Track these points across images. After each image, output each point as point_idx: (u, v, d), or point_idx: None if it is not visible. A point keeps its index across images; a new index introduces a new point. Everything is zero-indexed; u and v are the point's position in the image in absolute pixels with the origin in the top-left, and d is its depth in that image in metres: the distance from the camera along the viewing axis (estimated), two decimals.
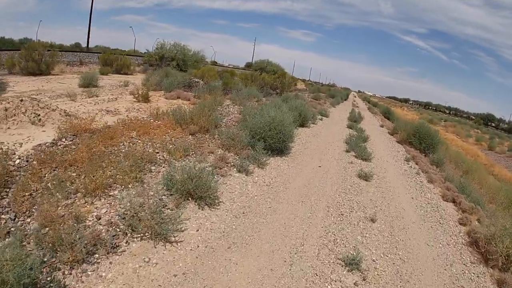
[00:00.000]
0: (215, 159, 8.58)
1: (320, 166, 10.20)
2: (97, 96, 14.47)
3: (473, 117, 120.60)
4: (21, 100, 9.53)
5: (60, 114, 9.93)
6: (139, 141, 8.74)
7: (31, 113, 9.27)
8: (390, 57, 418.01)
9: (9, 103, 9.24)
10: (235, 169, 8.36)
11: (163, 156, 8.18)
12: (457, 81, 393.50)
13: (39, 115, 9.34)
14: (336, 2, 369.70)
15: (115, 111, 12.17)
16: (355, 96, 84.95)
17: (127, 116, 11.17)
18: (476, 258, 6.36)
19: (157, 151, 8.36)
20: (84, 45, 47.69)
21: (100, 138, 8.05)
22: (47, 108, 9.90)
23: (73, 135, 8.16)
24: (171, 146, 8.75)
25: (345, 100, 47.72)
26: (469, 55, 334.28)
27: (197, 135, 10.44)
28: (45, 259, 4.10)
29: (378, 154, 13.40)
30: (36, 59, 21.14)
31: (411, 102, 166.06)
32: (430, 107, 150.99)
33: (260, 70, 43.38)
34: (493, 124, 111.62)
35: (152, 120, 10.98)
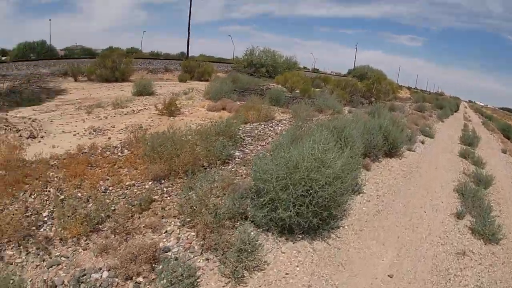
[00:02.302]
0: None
1: (391, 276, 4.79)
2: (123, 108, 13.00)
3: None
4: None
5: (20, 136, 8.73)
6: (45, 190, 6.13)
7: None
8: (503, 62, 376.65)
9: None
10: None
11: None
12: None
13: None
14: (441, 3, 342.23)
15: (106, 130, 9.93)
16: (465, 107, 74.38)
17: (107, 139, 8.97)
18: None
19: None
20: (190, 53, 49.49)
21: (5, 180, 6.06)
22: (7, 129, 8.96)
23: None
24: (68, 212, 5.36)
25: (455, 111, 40.01)
26: None
27: (165, 180, 6.71)
28: None
29: None
30: (109, 66, 21.74)
31: None
32: None
33: (360, 77, 38.97)
34: None
35: (120, 150, 8.03)
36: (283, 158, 5.23)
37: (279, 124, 11.23)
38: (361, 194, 7.15)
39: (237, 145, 8.71)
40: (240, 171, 7.32)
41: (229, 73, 29.79)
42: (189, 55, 43.96)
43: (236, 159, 7.93)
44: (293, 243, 5.08)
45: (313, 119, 12.43)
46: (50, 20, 77.19)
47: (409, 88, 79.54)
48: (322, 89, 23.56)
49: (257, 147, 8.93)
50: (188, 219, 5.34)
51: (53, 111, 12.63)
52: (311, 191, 4.79)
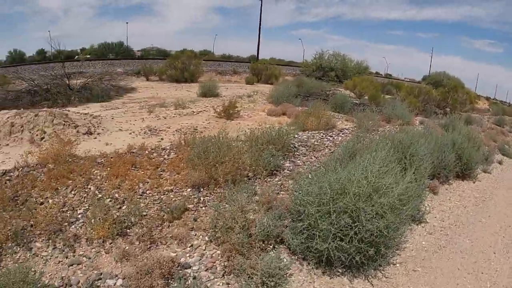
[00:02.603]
0: None
1: None
2: (184, 108, 12.90)
3: None
4: (36, 115, 8.70)
5: (77, 132, 8.83)
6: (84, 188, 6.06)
7: (38, 130, 8.35)
8: None
9: (21, 117, 8.52)
10: None
11: None
12: None
13: (45, 132, 8.33)
14: None
15: (161, 131, 9.73)
16: None
17: (159, 140, 8.72)
18: None
19: None
20: (260, 56, 50.01)
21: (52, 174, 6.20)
22: (66, 124, 8.87)
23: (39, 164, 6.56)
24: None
25: None
26: None
27: (204, 189, 6.26)
28: None
29: None
30: (179, 67, 22.38)
31: None
32: None
33: (434, 84, 36.71)
34: None
35: (168, 152, 7.62)
36: (329, 179, 4.46)
37: (340, 134, 10.30)
38: (422, 224, 6.22)
39: (289, 155, 7.99)
40: (287, 185, 6.62)
41: (297, 77, 29.16)
42: (260, 58, 43.61)
43: (285, 170, 7.23)
44: (330, 278, 4.36)
45: (379, 130, 11.44)
46: (127, 23, 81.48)
47: (487, 99, 73.97)
48: (393, 96, 22.14)
49: (311, 158, 8.15)
50: (219, 235, 4.76)
51: (118, 108, 12.81)
52: (357, 223, 4.00)
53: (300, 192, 4.66)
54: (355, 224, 4.01)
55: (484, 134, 16.34)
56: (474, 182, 9.11)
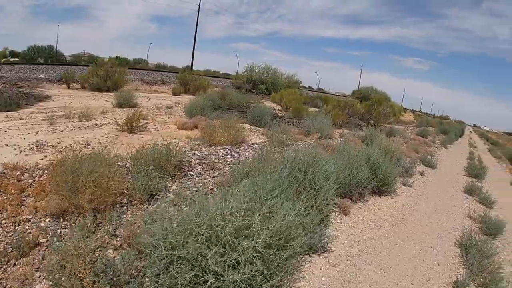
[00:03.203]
0: None
1: None
2: (88, 120, 11.36)
3: None
4: None
5: None
6: None
7: None
8: (508, 87, 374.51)
9: None
10: None
11: None
12: None
13: None
14: (451, 28, 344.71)
15: (49, 146, 8.23)
16: (470, 132, 72.03)
17: (43, 157, 7.35)
18: None
19: None
20: (195, 67, 49.14)
21: None
22: None
23: None
24: None
25: (460, 136, 37.83)
26: None
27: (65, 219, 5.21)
28: None
29: None
30: (101, 75, 20.49)
31: None
32: None
33: (363, 98, 37.59)
34: None
35: (41, 173, 6.47)
36: (183, 216, 3.32)
37: (248, 149, 9.24)
38: (326, 254, 5.12)
39: (179, 176, 6.83)
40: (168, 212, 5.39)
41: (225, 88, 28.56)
42: (195, 69, 43.18)
43: (169, 195, 6.01)
44: None
45: (294, 144, 10.55)
46: (58, 25, 77.02)
47: (413, 111, 77.72)
48: (319, 110, 21.73)
49: (205, 178, 6.98)
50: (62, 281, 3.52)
51: (22, 119, 11.10)
52: (206, 276, 2.85)
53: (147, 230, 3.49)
54: (203, 278, 2.86)
55: (406, 146, 16.11)
56: (392, 198, 8.33)
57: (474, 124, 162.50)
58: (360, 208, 7.17)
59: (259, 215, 3.35)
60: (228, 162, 7.91)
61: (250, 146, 9.59)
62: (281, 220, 3.51)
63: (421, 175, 11.64)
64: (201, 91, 24.68)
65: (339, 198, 7.02)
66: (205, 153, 8.36)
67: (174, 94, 23.57)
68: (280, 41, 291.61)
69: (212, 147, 8.98)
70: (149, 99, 18.37)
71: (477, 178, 13.81)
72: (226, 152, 8.64)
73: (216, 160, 7.93)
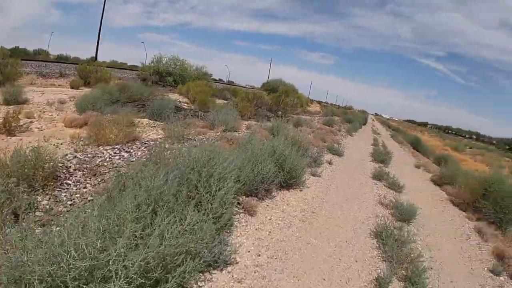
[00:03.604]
0: None
1: None
2: None
3: (495, 142, 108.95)
4: None
5: None
6: None
7: None
8: (407, 80, 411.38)
9: None
10: None
11: None
12: (475, 104, 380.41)
13: None
14: (355, 26, 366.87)
15: None
16: (373, 120, 76.36)
17: None
18: None
19: None
20: (101, 58, 45.18)
21: None
22: None
23: None
24: None
25: (363, 125, 39.44)
26: (486, 78, 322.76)
27: None
28: None
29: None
30: None
31: (430, 126, 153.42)
32: (450, 131, 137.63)
33: (272, 90, 37.56)
34: None
35: None
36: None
37: (142, 148, 8.06)
38: (229, 268, 4.19)
39: (53, 186, 5.50)
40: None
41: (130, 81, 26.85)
42: (101, 60, 40.07)
43: (37, 212, 4.73)
44: None
45: (196, 139, 9.59)
46: None
47: (319, 102, 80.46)
48: (228, 102, 20.95)
49: (85, 187, 5.69)
50: None
51: None
52: None
53: None
54: None
55: (313, 135, 15.83)
56: (301, 190, 7.66)
57: (376, 113, 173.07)
58: (268, 205, 6.37)
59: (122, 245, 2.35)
60: (116, 165, 6.71)
61: (145, 143, 8.42)
62: (156, 247, 2.54)
63: (329, 164, 11.25)
64: (103, 83, 22.92)
65: (244, 197, 6.21)
66: (89, 155, 7.07)
67: (72, 87, 21.09)
68: (191, 32, 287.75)
69: (101, 147, 7.72)
70: (43, 93, 16.07)
71: (383, 163, 13.87)
72: (115, 153, 7.40)
73: (102, 164, 6.68)
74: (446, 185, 12.18)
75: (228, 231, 5.02)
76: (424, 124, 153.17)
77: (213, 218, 4.41)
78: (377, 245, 5.86)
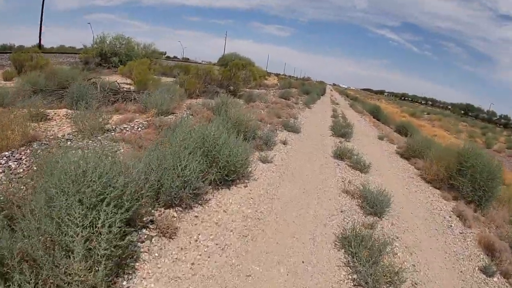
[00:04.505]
0: None
1: None
2: None
3: (450, 108, 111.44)
4: None
5: None
6: None
7: None
8: (363, 50, 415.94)
9: None
10: None
11: None
12: (429, 72, 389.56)
13: None
14: None
15: None
16: (331, 90, 75.64)
17: None
18: None
19: None
20: (48, 45, 41.73)
21: None
22: None
23: None
24: None
25: (322, 95, 38.07)
26: (439, 46, 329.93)
27: None
28: None
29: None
30: None
31: (387, 93, 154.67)
32: (406, 98, 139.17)
33: (227, 65, 35.93)
34: (472, 115, 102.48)
35: None
36: None
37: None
38: None
39: None
40: None
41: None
42: (48, 47, 37.56)
43: None
44: None
45: (116, 129, 7.67)
46: None
47: (277, 75, 79.04)
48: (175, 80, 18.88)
49: None
50: None
51: None
52: None
53: None
54: None
55: (267, 111, 14.10)
56: (246, 186, 5.92)
57: (333, 83, 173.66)
58: (197, 217, 4.58)
59: None
60: None
61: (43, 144, 6.34)
62: None
63: (284, 144, 9.57)
64: (37, 71, 20.42)
65: (163, 209, 4.44)
66: None
67: (5, 79, 18.36)
68: (140, 10, 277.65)
69: None
70: None
71: (344, 137, 12.39)
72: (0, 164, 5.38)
73: None
74: (414, 158, 10.89)
75: (128, 272, 3.28)
76: (381, 92, 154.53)
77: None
78: (345, 261, 4.27)
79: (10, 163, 5.42)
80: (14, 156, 5.68)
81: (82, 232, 2.87)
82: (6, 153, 5.76)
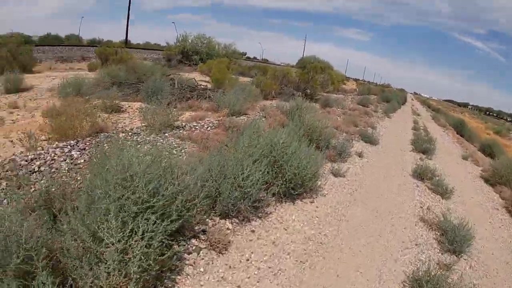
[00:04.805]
0: None
1: None
2: None
3: None
4: None
5: None
6: None
7: None
8: (446, 58, 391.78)
9: None
10: None
11: None
12: None
13: None
14: (391, 1, 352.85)
15: None
16: (412, 99, 71.87)
17: None
18: None
19: None
20: (135, 41, 45.69)
21: None
22: None
23: None
24: None
25: (403, 104, 36.01)
26: None
27: None
28: None
29: None
30: (4, 56, 16.63)
31: (471, 107, 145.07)
32: (491, 113, 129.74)
33: (304, 67, 35.43)
34: None
35: None
36: None
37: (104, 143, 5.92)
38: None
39: None
40: None
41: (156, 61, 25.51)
42: (134, 43, 40.27)
43: None
44: None
45: (186, 127, 7.50)
46: None
47: (356, 80, 76.91)
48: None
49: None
50: None
51: None
52: None
53: None
54: None
55: (343, 118, 13.38)
56: (312, 202, 5.39)
57: (414, 92, 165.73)
58: (253, 232, 4.17)
59: None
60: (54, 171, 4.70)
61: (108, 137, 6.28)
62: None
63: (360, 156, 8.88)
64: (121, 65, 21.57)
65: (218, 218, 4.07)
66: (31, 156, 5.09)
67: (90, 70, 20.00)
68: (223, 12, 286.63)
69: (60, 142, 5.73)
70: (54, 78, 14.46)
71: (426, 154, 11.32)
72: (63, 152, 5.39)
73: (42, 169, 4.77)
74: (500, 185, 9.60)
75: (167, 286, 2.95)
76: (465, 105, 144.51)
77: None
78: None
79: (73, 152, 5.40)
80: (78, 146, 5.67)
81: (117, 243, 2.56)
82: (72, 141, 5.77)
